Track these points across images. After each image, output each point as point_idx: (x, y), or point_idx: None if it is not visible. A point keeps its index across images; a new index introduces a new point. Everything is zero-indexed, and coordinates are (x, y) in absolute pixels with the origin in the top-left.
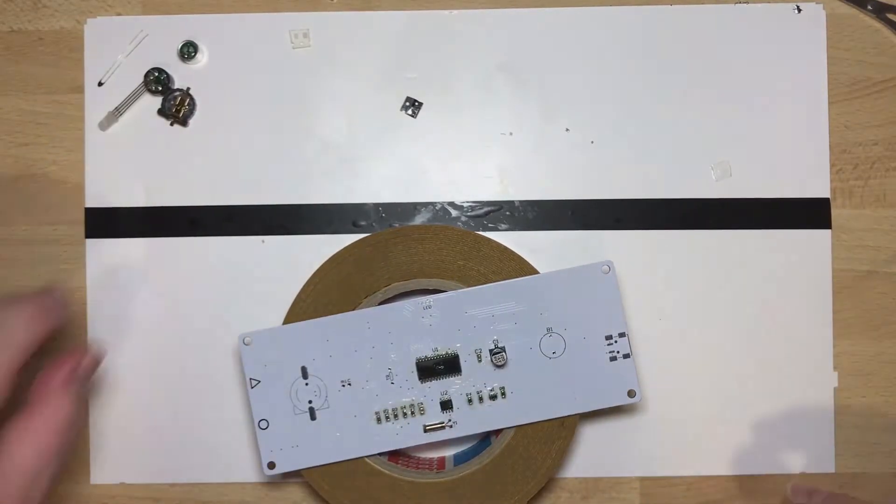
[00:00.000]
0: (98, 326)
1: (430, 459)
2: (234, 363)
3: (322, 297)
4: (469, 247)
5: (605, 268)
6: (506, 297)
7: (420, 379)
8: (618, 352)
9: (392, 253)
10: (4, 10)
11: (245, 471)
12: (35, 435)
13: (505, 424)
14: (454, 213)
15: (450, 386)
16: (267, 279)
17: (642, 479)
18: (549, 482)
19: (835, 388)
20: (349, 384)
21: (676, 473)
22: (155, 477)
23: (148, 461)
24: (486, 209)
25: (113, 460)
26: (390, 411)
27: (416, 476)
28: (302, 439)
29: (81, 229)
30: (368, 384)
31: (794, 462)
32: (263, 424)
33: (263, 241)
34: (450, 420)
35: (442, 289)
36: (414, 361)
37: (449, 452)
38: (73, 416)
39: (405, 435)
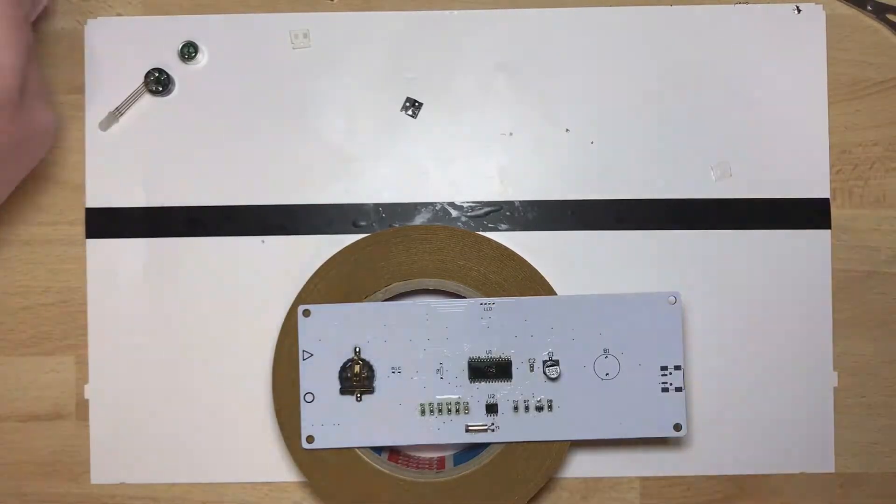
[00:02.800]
0: (98, 326)
1: (430, 459)
2: (234, 363)
3: (323, 297)
4: (469, 247)
5: (672, 299)
6: (568, 312)
7: (470, 379)
8: (671, 384)
9: (393, 253)
10: None
11: (245, 470)
12: None
13: (547, 437)
14: (454, 213)
15: (498, 390)
16: (267, 279)
17: (642, 479)
18: (549, 482)
19: (835, 388)
20: (399, 372)
21: (676, 473)
22: (154, 477)
23: (148, 461)
24: (486, 209)
25: (113, 460)
26: (435, 405)
27: (416, 476)
28: (344, 419)
29: (81, 229)
30: (418, 375)
31: (794, 462)
32: (309, 398)
33: (263, 241)
34: (493, 424)
35: (442, 289)
36: (466, 360)
37: (449, 452)
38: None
39: (446, 431)
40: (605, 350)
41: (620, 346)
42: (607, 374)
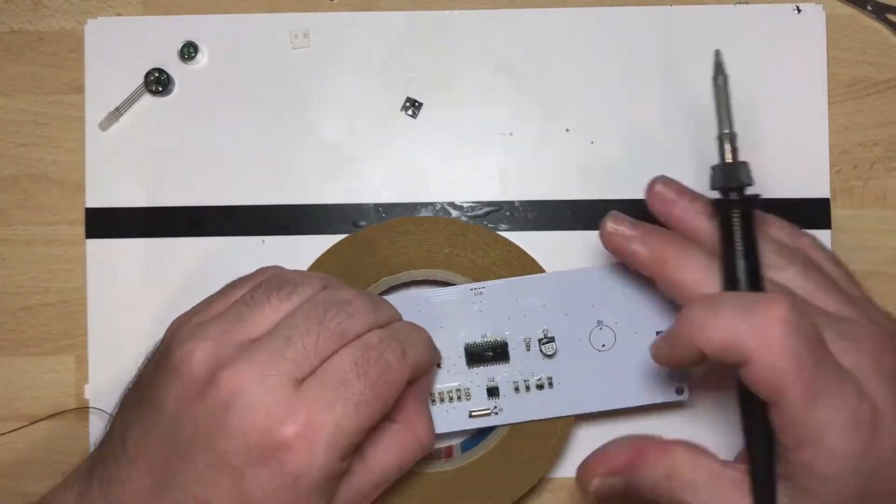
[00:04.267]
0: (98, 326)
1: (438, 449)
2: None
3: None
4: (454, 234)
5: None
6: (558, 288)
7: (468, 364)
8: None
9: (377, 248)
10: (4, 10)
11: None
12: (403, 449)
13: (551, 414)
14: (454, 213)
15: (497, 373)
16: None
17: None
18: (548, 482)
19: None
20: None
21: None
22: None
23: None
24: (486, 209)
25: None
26: (436, 394)
27: (425, 467)
28: None
29: (81, 229)
30: None
31: None
32: None
33: (263, 241)
34: (496, 407)
35: (431, 278)
36: (463, 346)
37: (456, 440)
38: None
39: (450, 419)
40: (598, 322)
41: (614, 316)
42: (604, 346)
